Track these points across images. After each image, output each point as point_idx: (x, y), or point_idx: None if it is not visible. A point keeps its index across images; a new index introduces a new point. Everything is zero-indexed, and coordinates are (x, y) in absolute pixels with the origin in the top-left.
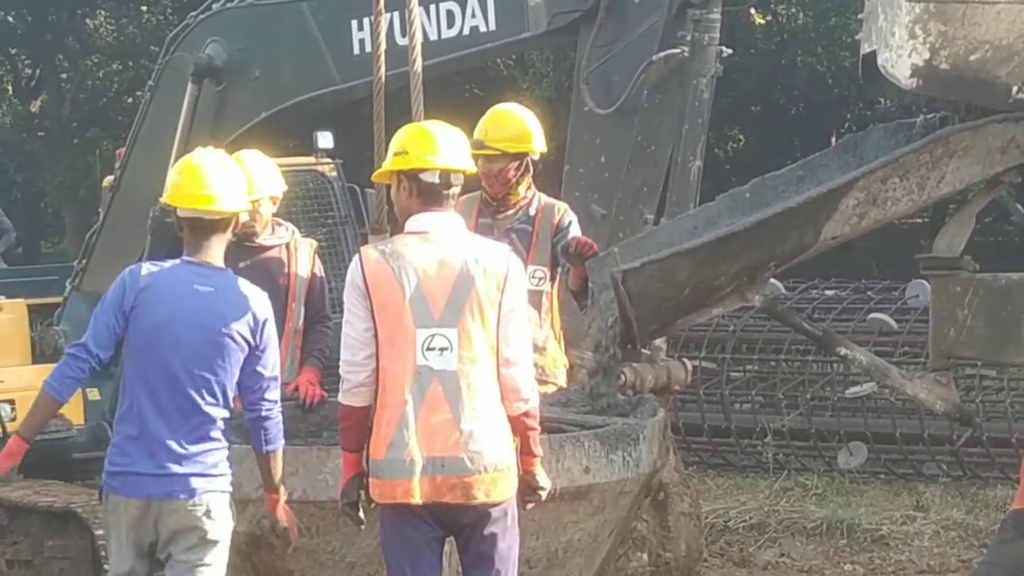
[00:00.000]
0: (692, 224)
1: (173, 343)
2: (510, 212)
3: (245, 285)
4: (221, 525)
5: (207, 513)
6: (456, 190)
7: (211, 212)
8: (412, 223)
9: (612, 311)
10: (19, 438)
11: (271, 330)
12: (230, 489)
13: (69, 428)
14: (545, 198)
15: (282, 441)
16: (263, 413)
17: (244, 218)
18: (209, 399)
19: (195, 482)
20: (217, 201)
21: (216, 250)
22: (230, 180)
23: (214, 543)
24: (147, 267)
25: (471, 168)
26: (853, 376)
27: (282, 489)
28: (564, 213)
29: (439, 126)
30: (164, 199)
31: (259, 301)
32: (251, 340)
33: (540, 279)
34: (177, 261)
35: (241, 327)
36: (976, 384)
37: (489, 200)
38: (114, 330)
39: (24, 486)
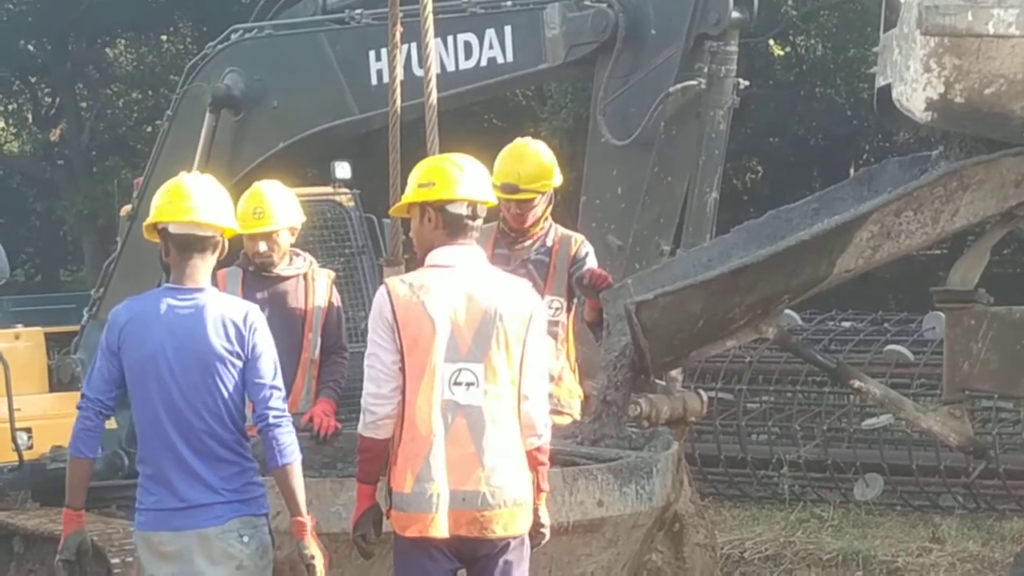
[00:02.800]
0: (707, 256)
1: (163, 372)
2: (528, 243)
3: (226, 299)
4: (255, 550)
5: (239, 538)
6: (480, 222)
7: (194, 224)
8: (436, 256)
9: (624, 345)
10: (68, 509)
11: (261, 338)
12: (264, 510)
13: None
14: (562, 229)
15: (299, 456)
16: (270, 421)
17: (262, 248)
18: (214, 421)
19: (220, 509)
20: (199, 213)
21: (201, 273)
22: (214, 198)
23: (250, 571)
24: (128, 302)
25: (493, 200)
26: (869, 408)
27: (309, 515)
28: (581, 244)
29: (464, 158)
30: (148, 221)
31: (241, 311)
32: (240, 351)
33: (557, 309)
34: (158, 289)
35: (226, 340)
36: (992, 416)
37: (507, 231)
38: (108, 372)
39: (39, 514)
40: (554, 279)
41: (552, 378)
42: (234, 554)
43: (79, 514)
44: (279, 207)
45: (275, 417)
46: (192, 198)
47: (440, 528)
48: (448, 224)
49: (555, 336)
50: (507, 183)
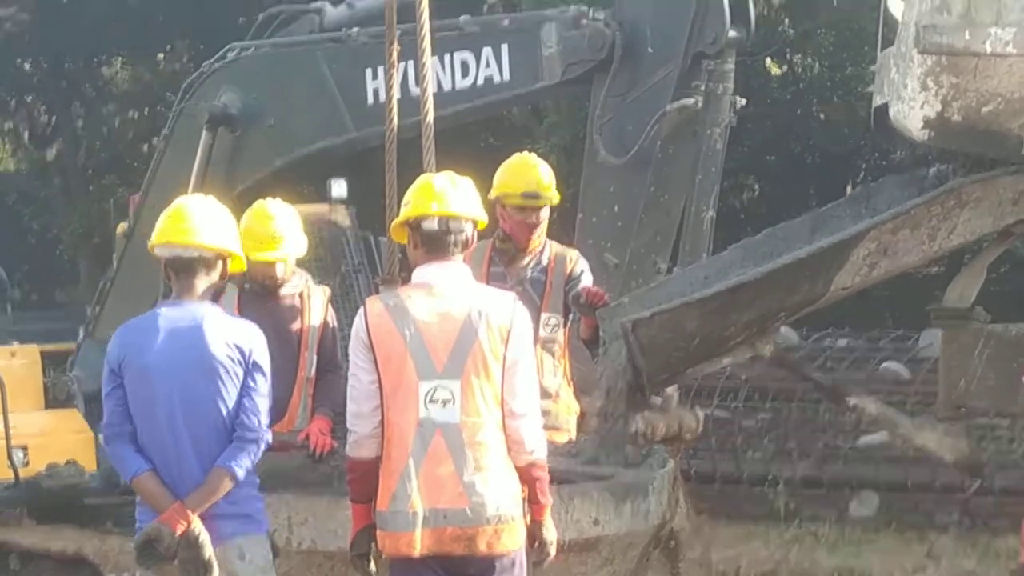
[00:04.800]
0: (703, 274)
1: (160, 387)
2: (524, 261)
3: (224, 314)
4: (257, 567)
5: (240, 556)
6: (459, 238)
7: (187, 246)
8: (416, 275)
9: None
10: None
11: (259, 352)
12: (265, 527)
13: (82, 473)
14: (556, 246)
15: (241, 476)
16: (247, 432)
17: (279, 271)
18: (214, 431)
19: (221, 526)
20: (194, 235)
21: (200, 289)
22: (213, 220)
23: None
24: (127, 323)
25: (471, 215)
26: (865, 425)
27: (197, 515)
28: (577, 261)
29: (442, 176)
30: (150, 243)
31: (242, 325)
32: (241, 359)
33: (554, 327)
34: (157, 307)
35: (226, 348)
36: (988, 434)
37: (505, 249)
38: (116, 397)
39: (36, 531)
40: (551, 296)
41: (550, 395)
42: (234, 571)
43: (176, 510)
44: (292, 232)
45: (253, 430)
46: (186, 221)
47: (416, 546)
48: (425, 242)
49: (552, 353)
50: (529, 191)
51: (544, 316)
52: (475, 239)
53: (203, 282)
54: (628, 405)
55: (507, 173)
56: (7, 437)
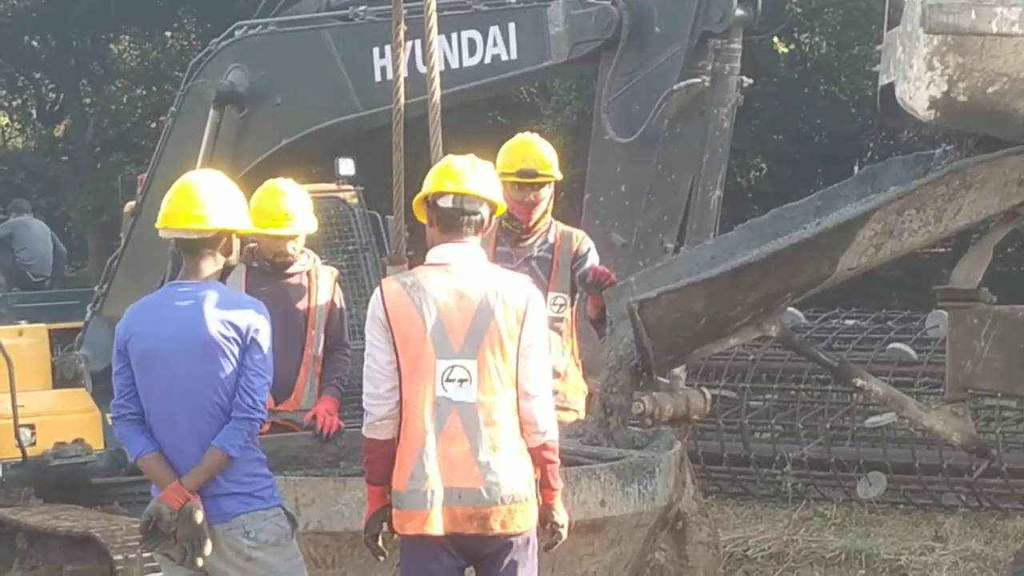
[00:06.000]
0: (710, 254)
1: (167, 363)
2: (530, 240)
3: (230, 292)
4: (263, 542)
5: (244, 533)
6: (472, 218)
7: (190, 229)
8: (432, 254)
9: (627, 344)
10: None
11: (260, 331)
12: (274, 502)
13: (88, 453)
14: (562, 226)
15: (235, 455)
16: (245, 411)
17: (290, 248)
18: (218, 411)
19: (226, 504)
20: (198, 217)
21: (206, 269)
22: (218, 198)
23: (261, 562)
24: (137, 303)
25: (486, 196)
26: (873, 406)
27: (194, 497)
28: (583, 241)
29: (462, 157)
30: (158, 225)
31: (245, 304)
32: (239, 339)
33: (561, 306)
34: (164, 287)
35: (224, 328)
36: (996, 415)
37: (511, 228)
38: (123, 375)
39: (43, 511)
40: (557, 276)
41: (558, 374)
42: (241, 549)
43: (174, 488)
44: (303, 209)
45: (250, 408)
46: (193, 204)
47: (436, 525)
48: (440, 220)
49: (560, 332)
50: (525, 168)
51: (551, 295)
52: (492, 223)
53: (209, 262)
54: (635, 386)
55: (506, 152)
56: (15, 416)
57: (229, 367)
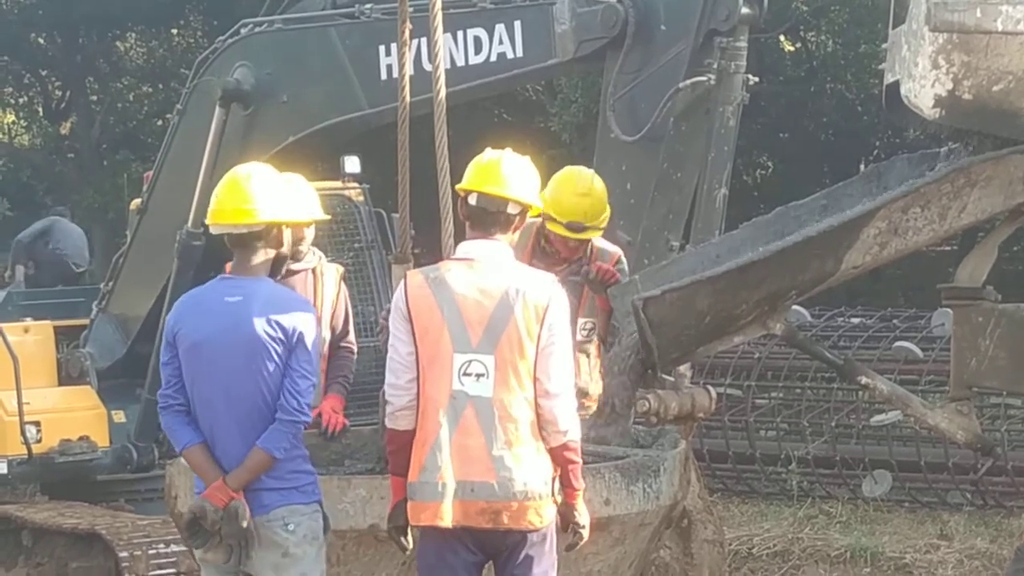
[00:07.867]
0: (715, 252)
1: (212, 358)
2: (566, 265)
3: (279, 290)
4: (302, 537)
5: (283, 526)
6: (504, 218)
7: (238, 224)
8: (460, 249)
9: (632, 342)
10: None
11: (307, 330)
12: (315, 497)
13: (94, 450)
14: (599, 243)
15: (280, 456)
16: (290, 412)
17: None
18: (262, 407)
19: (266, 497)
20: (245, 212)
21: (255, 263)
22: (265, 192)
23: (298, 557)
24: (188, 294)
25: (518, 197)
26: (878, 404)
27: (239, 496)
28: (619, 261)
29: (499, 154)
30: (207, 221)
31: (291, 302)
32: (283, 338)
33: (590, 331)
34: (215, 280)
35: (269, 327)
36: (1001, 413)
37: (547, 251)
38: (173, 365)
39: (48, 508)
40: (587, 300)
41: (586, 395)
42: (279, 542)
43: (218, 487)
44: (310, 200)
45: (295, 410)
46: (240, 198)
47: (447, 517)
48: (470, 215)
49: (587, 354)
50: (573, 222)
51: (580, 321)
52: (524, 221)
53: (259, 256)
54: (640, 384)
55: (557, 193)
56: (20, 413)
57: (272, 366)
